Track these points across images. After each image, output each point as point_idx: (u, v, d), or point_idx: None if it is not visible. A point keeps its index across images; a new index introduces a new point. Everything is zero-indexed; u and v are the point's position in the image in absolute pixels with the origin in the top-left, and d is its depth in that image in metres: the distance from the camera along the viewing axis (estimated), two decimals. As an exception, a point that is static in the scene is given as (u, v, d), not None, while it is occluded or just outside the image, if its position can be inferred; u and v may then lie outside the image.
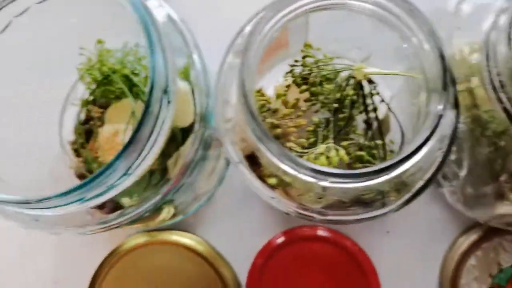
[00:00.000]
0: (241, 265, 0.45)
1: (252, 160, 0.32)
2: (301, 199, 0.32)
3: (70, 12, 0.38)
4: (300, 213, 0.32)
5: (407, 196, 0.31)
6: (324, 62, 0.33)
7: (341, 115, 0.32)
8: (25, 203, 0.23)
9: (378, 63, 0.34)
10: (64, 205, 0.24)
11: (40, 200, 0.23)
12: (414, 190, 0.31)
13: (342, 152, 0.30)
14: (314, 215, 0.32)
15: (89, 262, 0.45)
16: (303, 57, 0.34)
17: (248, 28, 0.29)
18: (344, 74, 0.33)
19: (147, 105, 0.24)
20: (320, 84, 0.33)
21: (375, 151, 0.35)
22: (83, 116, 0.46)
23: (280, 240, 0.45)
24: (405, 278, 0.44)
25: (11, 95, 0.37)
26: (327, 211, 0.32)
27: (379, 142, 0.35)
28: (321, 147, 0.30)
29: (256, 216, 0.46)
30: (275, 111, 0.31)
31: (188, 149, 0.28)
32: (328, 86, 0.32)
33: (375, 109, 0.34)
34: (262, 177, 0.31)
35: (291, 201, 0.33)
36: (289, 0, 0.27)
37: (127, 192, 0.27)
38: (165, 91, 0.26)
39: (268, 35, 0.27)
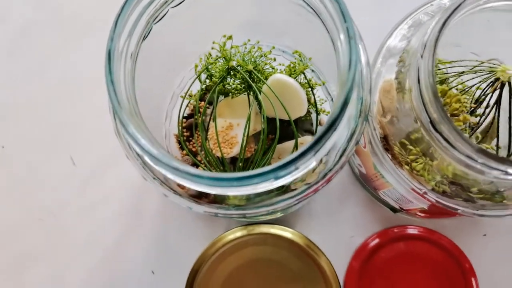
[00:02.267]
0: (337, 262, 0.46)
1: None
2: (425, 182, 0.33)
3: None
4: (424, 196, 0.33)
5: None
6: (444, 64, 0.35)
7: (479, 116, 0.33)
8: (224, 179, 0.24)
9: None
10: (261, 182, 0.25)
11: (242, 178, 0.24)
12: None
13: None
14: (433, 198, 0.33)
15: (187, 254, 0.46)
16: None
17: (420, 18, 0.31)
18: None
19: (348, 93, 0.25)
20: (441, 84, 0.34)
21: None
22: (188, 111, 0.47)
23: (375, 241, 0.46)
24: (500, 281, 0.45)
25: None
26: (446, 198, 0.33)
27: (487, 146, 0.37)
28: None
29: (352, 215, 0.47)
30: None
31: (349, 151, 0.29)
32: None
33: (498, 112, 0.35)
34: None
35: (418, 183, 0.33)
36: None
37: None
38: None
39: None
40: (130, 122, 0.25)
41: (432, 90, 0.26)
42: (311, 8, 0.28)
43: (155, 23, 0.33)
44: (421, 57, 0.27)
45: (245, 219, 0.47)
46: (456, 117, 0.29)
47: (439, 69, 0.36)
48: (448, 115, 0.28)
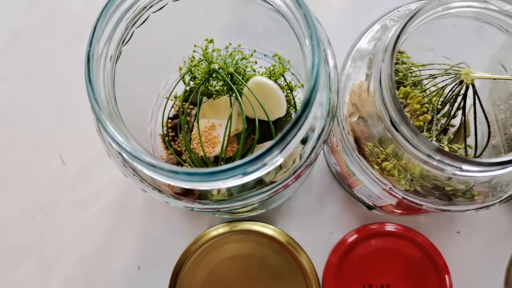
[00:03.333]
0: (316, 258, 0.47)
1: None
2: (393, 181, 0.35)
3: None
4: (390, 192, 0.34)
5: (504, 196, 0.34)
6: (417, 67, 0.37)
7: (440, 117, 0.35)
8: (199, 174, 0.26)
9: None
10: (230, 177, 0.26)
11: (211, 173, 0.26)
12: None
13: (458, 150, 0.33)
14: (399, 195, 0.34)
15: (172, 250, 0.47)
16: (396, 63, 0.37)
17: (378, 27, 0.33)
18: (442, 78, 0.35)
19: (311, 91, 0.26)
20: (415, 86, 0.36)
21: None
22: (173, 111, 0.49)
23: (353, 237, 0.48)
24: (473, 277, 0.47)
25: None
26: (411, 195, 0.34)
27: (458, 146, 0.38)
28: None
29: (331, 213, 0.49)
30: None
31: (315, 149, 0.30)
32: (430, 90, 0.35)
33: (464, 113, 0.37)
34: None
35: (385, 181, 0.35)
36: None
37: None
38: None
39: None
40: (107, 121, 0.26)
41: (390, 92, 0.28)
42: (281, 14, 0.30)
43: (136, 28, 0.35)
44: (382, 60, 0.28)
45: (228, 216, 0.49)
46: (417, 118, 0.31)
47: (411, 71, 0.38)
48: (408, 115, 0.30)
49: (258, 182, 0.31)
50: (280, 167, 0.29)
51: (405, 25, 0.27)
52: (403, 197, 0.33)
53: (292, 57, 0.44)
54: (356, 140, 0.33)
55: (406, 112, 0.30)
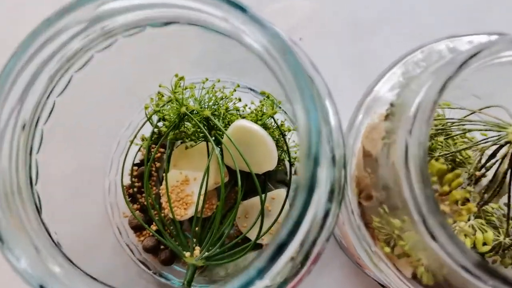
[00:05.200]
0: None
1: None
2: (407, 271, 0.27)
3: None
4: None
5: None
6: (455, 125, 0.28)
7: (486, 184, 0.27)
8: None
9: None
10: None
11: None
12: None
13: (491, 234, 0.25)
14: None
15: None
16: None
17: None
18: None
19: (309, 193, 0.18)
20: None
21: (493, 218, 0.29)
22: (140, 157, 0.40)
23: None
24: None
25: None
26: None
27: (493, 206, 0.30)
28: (464, 224, 0.25)
29: (334, 280, 0.40)
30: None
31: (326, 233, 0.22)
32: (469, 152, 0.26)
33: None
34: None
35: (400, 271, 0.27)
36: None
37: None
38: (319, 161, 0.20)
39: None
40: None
41: (424, 189, 0.19)
42: (264, 62, 0.21)
43: (76, 72, 0.26)
44: (409, 132, 0.20)
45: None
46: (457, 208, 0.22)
47: (438, 118, 0.30)
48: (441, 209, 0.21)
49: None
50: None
51: (442, 87, 0.19)
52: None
53: (282, 92, 0.35)
54: (370, 231, 0.25)
55: (442, 199, 0.22)
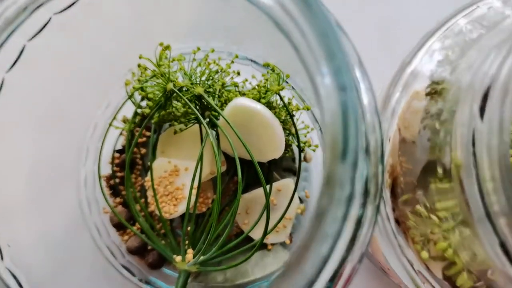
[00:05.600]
0: None
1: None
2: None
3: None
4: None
5: None
6: None
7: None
8: None
9: None
10: None
11: None
12: None
13: None
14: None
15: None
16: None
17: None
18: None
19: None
20: None
21: None
22: (122, 142, 0.34)
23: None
24: None
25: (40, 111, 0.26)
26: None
27: None
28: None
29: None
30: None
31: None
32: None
33: None
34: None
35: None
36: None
37: None
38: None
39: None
40: None
41: (502, 171, 0.14)
42: (275, 23, 0.15)
43: (29, 40, 0.20)
44: (481, 117, 0.14)
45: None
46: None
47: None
48: None
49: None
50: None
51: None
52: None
53: (294, 66, 0.29)
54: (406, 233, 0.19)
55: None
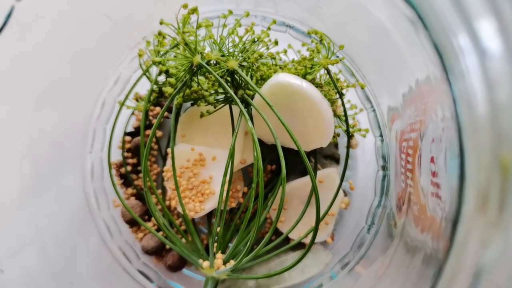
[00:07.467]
0: None
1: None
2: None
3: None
4: None
5: None
6: None
7: None
8: None
9: None
10: None
11: None
12: None
13: None
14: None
15: None
16: None
17: None
18: None
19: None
20: None
21: None
22: (134, 123, 0.29)
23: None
24: None
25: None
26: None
27: None
28: None
29: None
30: None
31: None
32: None
33: None
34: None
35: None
36: None
37: None
38: None
39: None
40: None
41: None
42: None
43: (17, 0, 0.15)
44: None
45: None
46: None
47: None
48: None
49: None
50: None
51: None
52: None
53: (352, 34, 0.24)
54: None
55: None
